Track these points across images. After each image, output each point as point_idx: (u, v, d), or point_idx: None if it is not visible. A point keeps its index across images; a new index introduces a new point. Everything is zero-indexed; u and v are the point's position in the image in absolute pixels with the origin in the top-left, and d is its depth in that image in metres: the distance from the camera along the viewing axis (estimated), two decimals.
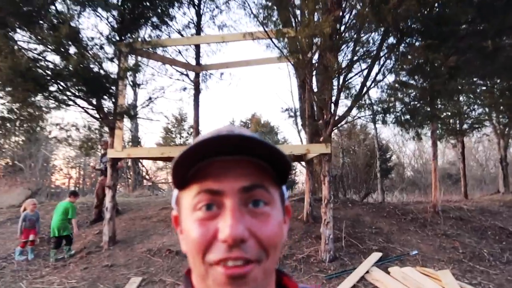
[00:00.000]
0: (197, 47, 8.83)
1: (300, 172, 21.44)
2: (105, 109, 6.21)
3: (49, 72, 5.10)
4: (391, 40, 5.61)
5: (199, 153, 0.56)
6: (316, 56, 6.15)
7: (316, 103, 5.82)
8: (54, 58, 5.57)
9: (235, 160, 0.57)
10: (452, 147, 16.72)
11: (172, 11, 7.37)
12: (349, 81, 5.68)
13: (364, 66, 5.64)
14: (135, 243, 6.62)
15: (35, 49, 5.11)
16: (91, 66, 5.45)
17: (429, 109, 7.16)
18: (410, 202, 10.68)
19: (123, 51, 6.05)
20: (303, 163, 7.72)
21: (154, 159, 9.09)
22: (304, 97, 8.09)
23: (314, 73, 6.41)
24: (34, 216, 6.81)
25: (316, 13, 4.84)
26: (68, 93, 5.47)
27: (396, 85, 6.91)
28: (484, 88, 10.94)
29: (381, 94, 7.10)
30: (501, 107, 11.11)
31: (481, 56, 6.95)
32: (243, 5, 6.97)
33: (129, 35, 6.47)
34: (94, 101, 5.88)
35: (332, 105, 5.68)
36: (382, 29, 5.28)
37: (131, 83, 6.35)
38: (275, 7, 5.82)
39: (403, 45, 6.11)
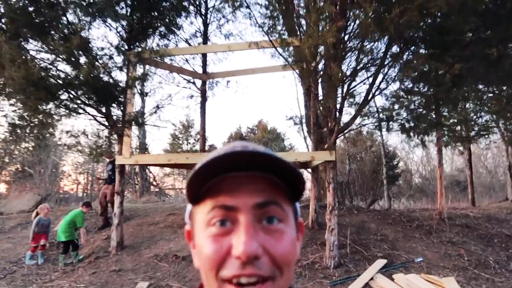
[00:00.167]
0: (204, 56, 8.98)
1: (306, 179, 21.41)
2: (114, 117, 6.36)
3: (60, 82, 5.26)
4: (395, 48, 5.68)
5: (213, 169, 0.56)
6: (321, 64, 6.24)
7: (321, 111, 5.89)
8: (64, 68, 5.76)
9: (249, 176, 0.57)
10: (459, 154, 16.59)
11: (179, 20, 7.53)
12: (353, 89, 5.75)
13: (368, 74, 5.71)
14: (142, 248, 6.71)
15: (48, 59, 5.28)
16: (101, 75, 5.61)
17: (434, 116, 7.19)
18: (416, 209, 10.65)
19: (132, 60, 6.21)
20: (309, 170, 7.77)
21: (162, 165, 9.21)
22: (309, 104, 8.17)
23: (319, 80, 6.49)
24: (47, 221, 6.95)
25: (320, 24, 4.93)
26: (78, 101, 5.63)
27: (401, 93, 6.95)
28: (491, 95, 10.90)
29: (385, 102, 7.16)
30: (508, 114, 11.05)
31: (484, 64, 6.97)
32: (249, 16, 7.10)
33: (137, 44, 6.63)
34: (103, 109, 6.04)
35: (337, 113, 5.76)
36: (386, 38, 5.36)
37: (139, 91, 6.48)
38: (280, 17, 5.93)
39: (406, 53, 6.18)
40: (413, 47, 6.17)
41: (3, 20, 4.99)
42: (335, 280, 5.29)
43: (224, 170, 0.57)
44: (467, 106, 10.86)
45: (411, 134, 6.52)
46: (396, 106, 6.92)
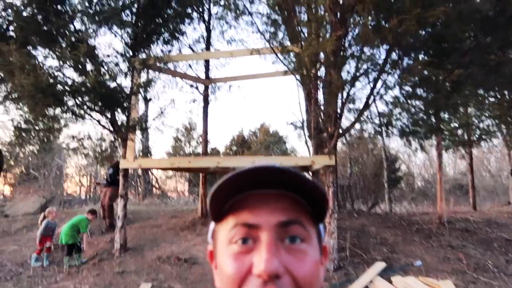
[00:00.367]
0: (207, 61, 9.10)
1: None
2: (119, 122, 6.49)
3: (67, 88, 5.39)
4: (394, 56, 5.78)
5: (237, 184, 0.55)
6: (322, 70, 6.35)
7: (321, 116, 6.00)
8: (71, 74, 5.89)
9: (272, 194, 0.57)
10: (460, 158, 16.62)
11: (183, 27, 7.66)
12: (353, 95, 5.85)
13: (368, 80, 5.82)
14: (145, 250, 6.82)
15: (56, 66, 5.42)
16: (107, 82, 5.74)
17: (434, 121, 7.27)
18: (416, 213, 10.70)
19: (137, 68, 6.34)
20: (310, 173, 7.86)
21: (164, 169, 9.33)
22: (310, 109, 8.27)
23: (320, 85, 6.59)
24: (54, 224, 7.06)
25: (320, 32, 5.04)
26: (85, 107, 5.76)
27: (401, 98, 7.04)
28: (492, 99, 10.94)
29: (384, 108, 7.25)
30: (510, 119, 11.08)
31: (484, 70, 7.05)
32: (251, 23, 7.23)
33: (142, 50, 6.77)
34: (108, 115, 6.17)
35: (337, 118, 5.86)
36: (385, 46, 5.47)
37: (143, 97, 6.62)
38: (281, 24, 6.04)
39: (406, 59, 6.28)
40: (412, 54, 6.27)
41: (11, 28, 5.13)
42: (334, 283, 5.37)
43: (248, 186, 0.56)
44: (468, 110, 10.90)
45: (410, 138, 6.61)
46: (396, 111, 7.02)
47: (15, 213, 10.76)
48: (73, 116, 5.79)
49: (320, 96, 7.00)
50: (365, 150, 19.57)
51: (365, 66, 5.91)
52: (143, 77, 7.17)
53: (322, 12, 5.15)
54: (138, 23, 6.45)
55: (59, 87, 5.33)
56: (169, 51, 7.34)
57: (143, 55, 6.79)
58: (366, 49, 5.78)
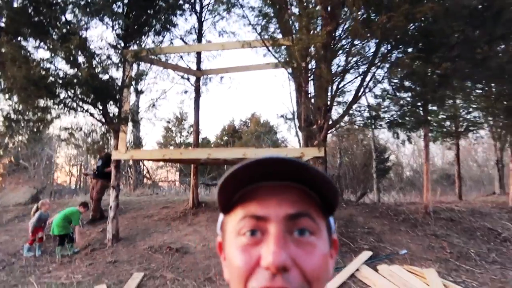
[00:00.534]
0: (198, 53, 9.09)
1: None
2: (111, 114, 6.50)
3: (59, 81, 5.39)
4: (383, 49, 5.88)
5: (246, 175, 0.55)
6: (312, 63, 6.42)
7: (311, 108, 6.10)
8: (63, 67, 5.88)
9: (281, 185, 0.56)
10: (448, 148, 16.91)
11: (174, 18, 7.63)
12: (342, 88, 5.95)
13: (356, 74, 5.92)
14: (137, 240, 6.90)
15: (48, 59, 5.39)
16: (99, 75, 5.74)
17: (422, 114, 7.42)
18: (404, 203, 10.92)
19: (129, 60, 6.34)
20: None
21: (156, 160, 9.37)
22: (300, 101, 8.35)
23: (310, 78, 6.68)
24: (46, 216, 7.10)
25: (310, 26, 5.10)
26: (77, 99, 5.76)
27: (389, 91, 7.16)
28: (479, 91, 11.13)
29: (374, 101, 7.38)
30: (496, 111, 11.30)
31: (471, 64, 7.19)
32: (242, 16, 7.24)
33: (133, 42, 6.76)
34: (100, 107, 6.18)
35: (326, 111, 5.97)
36: (375, 40, 5.56)
37: (135, 89, 6.63)
38: (272, 17, 6.08)
39: (396, 52, 6.38)
40: (401, 47, 6.38)
41: (3, 20, 5.09)
42: None
43: (257, 177, 0.56)
44: (456, 102, 11.08)
45: (397, 130, 6.75)
46: (384, 103, 7.15)
47: (5, 203, 10.73)
48: (65, 108, 5.79)
49: (311, 88, 7.11)
50: (354, 140, 19.81)
51: (355, 60, 6.00)
52: (135, 69, 7.17)
53: (313, 6, 5.21)
54: (129, 14, 6.43)
55: (51, 79, 5.33)
56: (161, 42, 7.35)
57: (135, 47, 6.78)
58: (356, 43, 5.88)
